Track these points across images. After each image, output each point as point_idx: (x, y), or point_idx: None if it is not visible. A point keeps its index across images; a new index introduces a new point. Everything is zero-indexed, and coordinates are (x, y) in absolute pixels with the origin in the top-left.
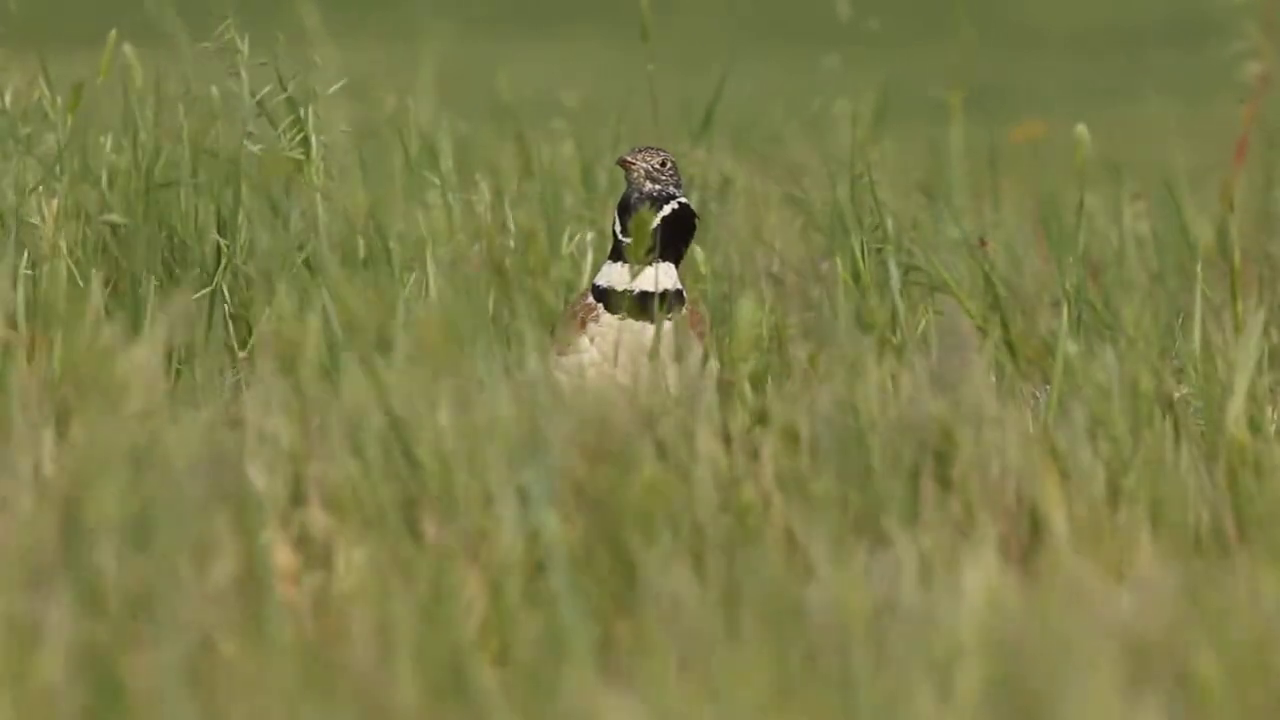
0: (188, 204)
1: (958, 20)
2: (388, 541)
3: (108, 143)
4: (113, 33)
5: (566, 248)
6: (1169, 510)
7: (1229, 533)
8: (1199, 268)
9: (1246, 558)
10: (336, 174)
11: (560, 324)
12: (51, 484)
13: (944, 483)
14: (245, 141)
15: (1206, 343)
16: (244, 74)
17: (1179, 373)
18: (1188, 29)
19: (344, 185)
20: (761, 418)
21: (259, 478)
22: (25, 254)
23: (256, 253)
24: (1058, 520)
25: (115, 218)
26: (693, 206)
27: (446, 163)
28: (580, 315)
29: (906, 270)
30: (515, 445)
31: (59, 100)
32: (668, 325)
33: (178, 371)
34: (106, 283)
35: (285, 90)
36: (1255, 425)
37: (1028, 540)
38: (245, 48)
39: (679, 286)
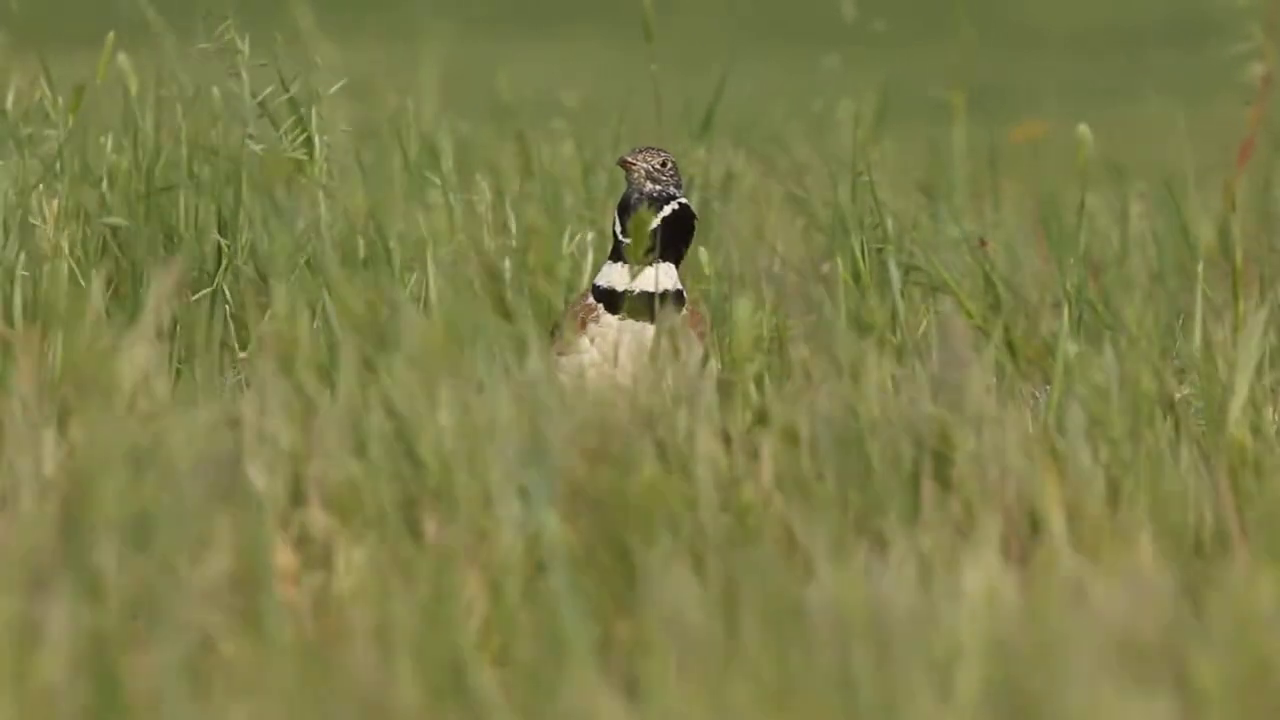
0: (188, 204)
1: (958, 20)
2: (388, 541)
3: (108, 143)
4: (110, 35)
5: (567, 248)
6: (1169, 510)
7: (1229, 533)
8: (1200, 268)
9: (1246, 558)
10: (337, 174)
11: (560, 324)
12: (51, 484)
13: (944, 483)
14: (247, 141)
15: (1207, 343)
16: (245, 74)
17: (1180, 373)
18: (1188, 29)
19: (344, 185)
20: (761, 418)
21: (259, 478)
22: (25, 254)
23: (258, 253)
24: (1057, 520)
25: (117, 220)
26: (693, 207)
27: (447, 163)
28: (580, 316)
29: (907, 270)
30: (515, 445)
31: (60, 100)
32: (668, 325)
33: (178, 371)
34: (107, 283)
35: (288, 90)
36: (1256, 425)
37: (1028, 540)
38: (246, 48)
39: (679, 287)
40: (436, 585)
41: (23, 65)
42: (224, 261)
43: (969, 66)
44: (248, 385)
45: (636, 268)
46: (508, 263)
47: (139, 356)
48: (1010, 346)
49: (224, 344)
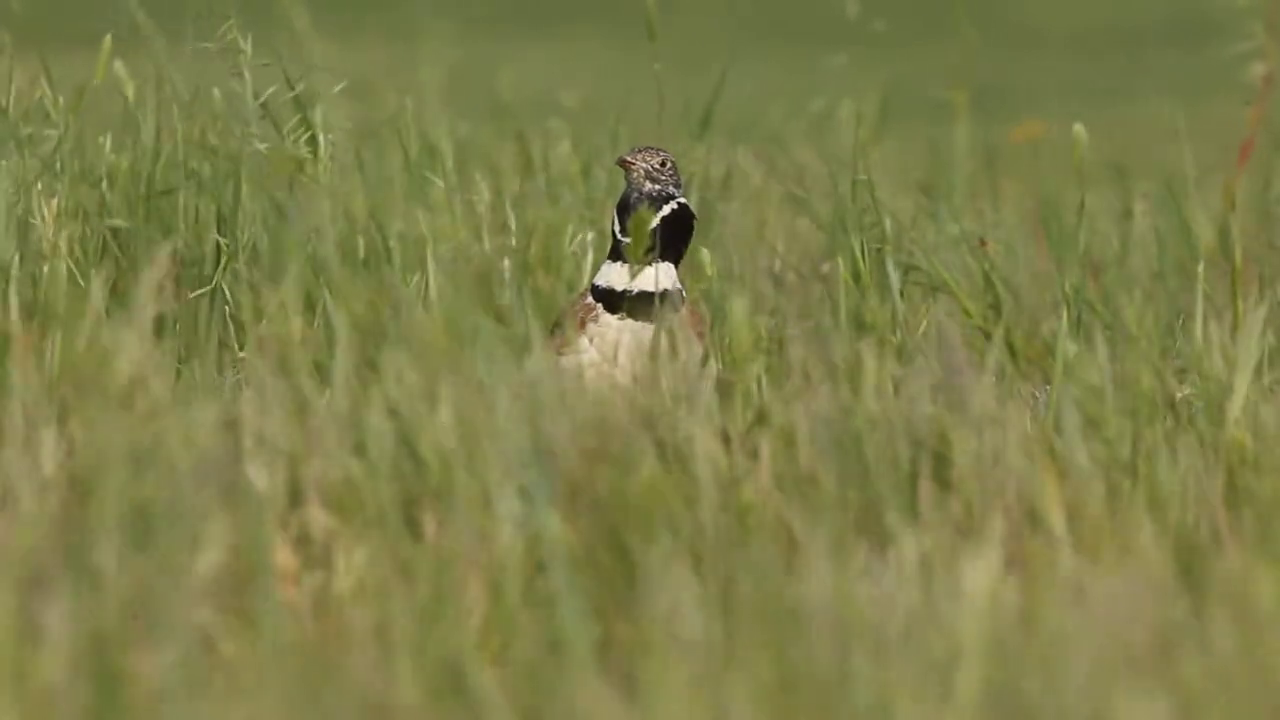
0: (187, 204)
1: (959, 21)
2: (388, 541)
3: (107, 143)
4: (107, 38)
5: (569, 247)
6: (1168, 511)
7: (1228, 533)
8: (1201, 267)
9: (1245, 558)
10: (339, 173)
11: (560, 324)
12: (51, 483)
13: (944, 483)
14: (252, 140)
15: (1207, 342)
16: (247, 74)
17: (1181, 372)
18: (1188, 29)
19: (345, 184)
20: (761, 418)
21: (258, 478)
22: (25, 254)
23: (258, 252)
24: (1057, 520)
25: (118, 222)
26: (692, 207)
27: (447, 162)
28: (580, 315)
29: (906, 270)
30: (515, 445)
31: (60, 100)
32: (668, 325)
33: (178, 371)
34: (107, 282)
35: (293, 89)
36: (1255, 425)
37: (1027, 540)
38: (249, 47)
39: (679, 286)
40: (436, 585)
41: (23, 65)
42: (223, 261)
43: (969, 66)
44: (247, 385)
45: (636, 267)
46: (507, 262)
47: (138, 356)
48: (1010, 346)
49: (223, 344)
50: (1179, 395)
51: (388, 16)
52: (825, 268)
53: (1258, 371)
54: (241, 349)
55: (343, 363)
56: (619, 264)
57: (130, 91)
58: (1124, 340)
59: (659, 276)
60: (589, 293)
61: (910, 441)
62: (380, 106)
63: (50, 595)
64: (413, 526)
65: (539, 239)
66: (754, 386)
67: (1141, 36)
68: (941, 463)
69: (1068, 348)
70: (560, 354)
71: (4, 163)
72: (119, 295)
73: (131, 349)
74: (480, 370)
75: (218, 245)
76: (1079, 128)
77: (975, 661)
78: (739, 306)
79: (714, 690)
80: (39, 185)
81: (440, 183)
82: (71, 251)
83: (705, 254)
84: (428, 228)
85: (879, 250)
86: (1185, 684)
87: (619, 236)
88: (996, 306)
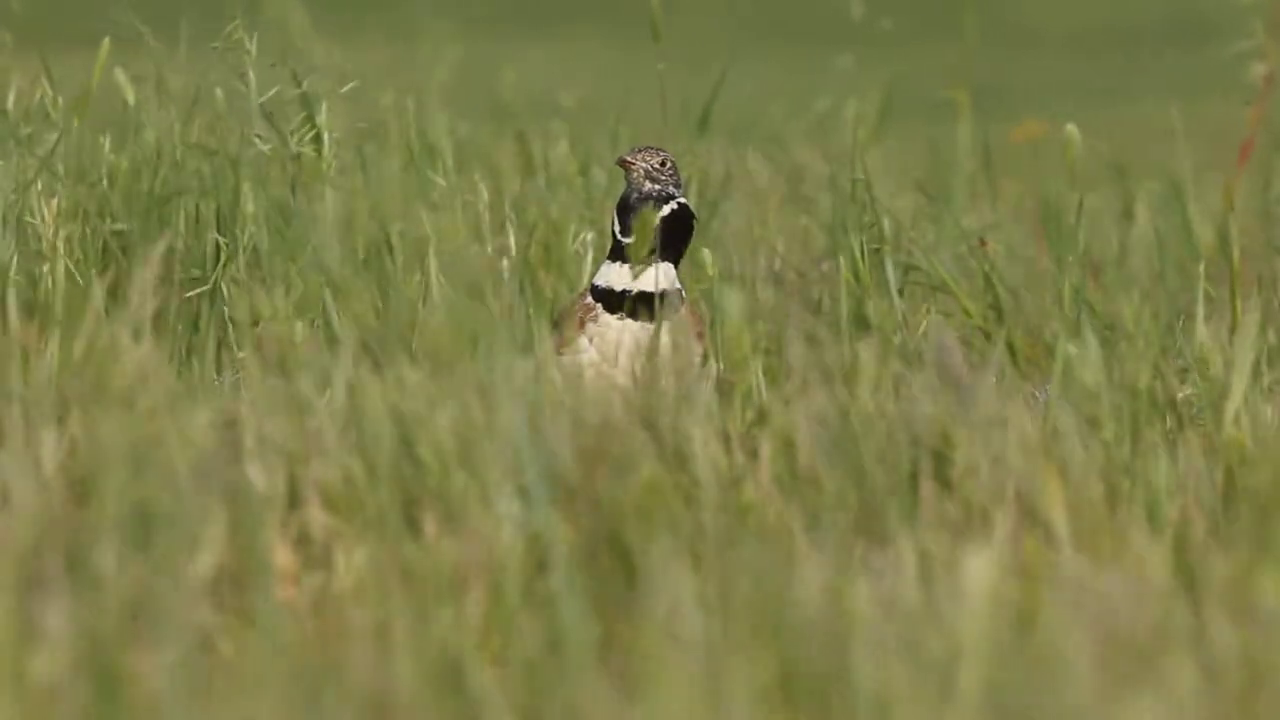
0: (188, 204)
1: (966, 21)
2: (388, 541)
3: (107, 143)
4: (105, 41)
5: (569, 247)
6: (1167, 510)
7: (1227, 533)
8: (1201, 267)
9: (1245, 558)
10: (342, 173)
11: (559, 324)
12: (51, 484)
13: (944, 483)
14: (255, 139)
15: (1206, 342)
16: (252, 75)
17: (1182, 373)
18: (1187, 29)
19: (347, 184)
20: (761, 418)
21: (258, 478)
22: (24, 254)
23: (259, 252)
24: (1057, 520)
25: (118, 226)
26: (692, 207)
27: (447, 162)
28: (579, 315)
29: (906, 270)
30: (515, 445)
31: (60, 100)
32: (667, 325)
33: (178, 371)
34: (106, 282)
35: (300, 86)
36: (1253, 424)
37: (1027, 540)
38: (253, 48)
39: (678, 286)
40: (436, 585)
41: (23, 65)
42: (223, 261)
43: (969, 66)
44: (245, 385)
45: (638, 268)
46: (506, 262)
47: (138, 356)
48: (1010, 346)
49: (223, 344)
50: (1179, 395)
51: (388, 16)
52: (825, 267)
53: (1257, 371)
54: (241, 349)
55: (343, 363)
56: (618, 264)
57: (131, 95)
58: (1124, 340)
59: (659, 277)
60: (588, 293)
61: (910, 441)
62: (381, 106)
63: (50, 595)
64: (413, 526)
65: (539, 239)
66: (753, 384)
67: (1140, 36)
68: (942, 462)
69: (1068, 348)
70: (560, 354)
71: (3, 163)
72: (119, 296)
73: (131, 349)
74: (481, 370)
75: (218, 245)
76: (1071, 128)
77: (975, 661)
78: (734, 300)
79: (714, 690)
80: (38, 185)
81: (441, 182)
82: (71, 252)
83: (706, 254)
84: (431, 227)
85: (878, 250)
86: (1184, 684)
87: (619, 236)
88: (996, 306)
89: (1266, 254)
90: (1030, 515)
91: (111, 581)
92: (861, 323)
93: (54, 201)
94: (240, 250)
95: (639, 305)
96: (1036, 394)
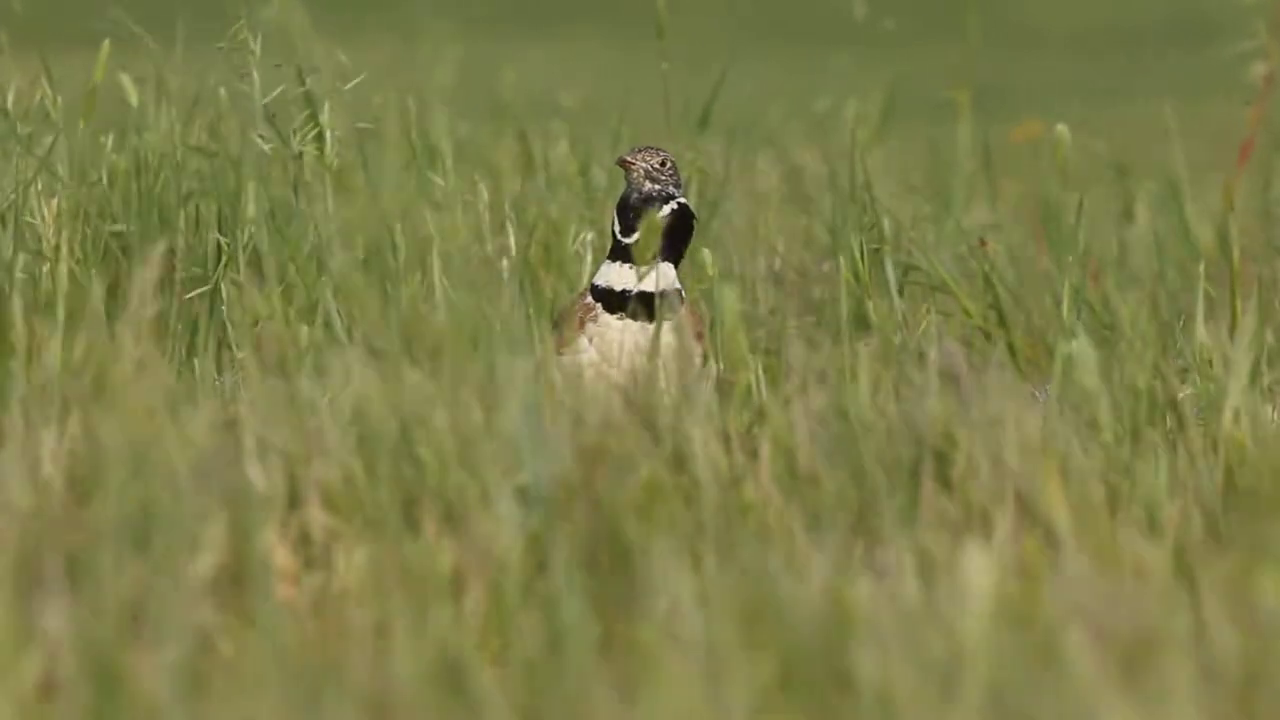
0: (189, 204)
1: (968, 21)
2: (388, 541)
3: (109, 142)
4: (105, 43)
5: (569, 247)
6: (1167, 511)
7: (1227, 533)
8: (1201, 267)
9: (1244, 558)
10: (344, 173)
11: (559, 324)
12: (51, 484)
13: (944, 483)
14: (258, 140)
15: (1206, 343)
16: (256, 75)
17: (1183, 373)
18: (1188, 29)
19: (348, 184)
20: (760, 417)
21: (258, 478)
22: (24, 254)
23: (259, 252)
24: (1057, 520)
25: (119, 227)
26: (692, 207)
27: (447, 162)
28: (579, 315)
29: (906, 270)
30: (515, 445)
31: (60, 100)
32: (667, 325)
33: (178, 372)
34: (106, 283)
35: (304, 84)
36: (1253, 424)
37: (1027, 540)
38: (258, 48)
39: (678, 286)
40: (436, 585)
41: (23, 65)
42: (224, 261)
43: (970, 66)
44: (244, 385)
45: (643, 270)
46: (506, 262)
47: (138, 355)
48: (1010, 346)
49: (223, 344)
50: (1179, 395)
51: (388, 16)
52: (825, 267)
53: (1257, 371)
54: (242, 349)
55: (344, 362)
56: (618, 264)
57: (134, 96)
58: (1123, 340)
59: (659, 277)
60: (588, 293)
61: (910, 441)
62: (381, 106)
63: (50, 595)
64: (413, 526)
65: (539, 239)
66: (752, 382)
67: (1141, 36)
68: (942, 462)
69: (1067, 348)
70: (560, 354)
71: (3, 162)
72: (119, 296)
73: (131, 349)
74: (482, 370)
75: (219, 245)
76: (1061, 128)
77: (975, 661)
78: (730, 297)
79: (714, 690)
80: (38, 185)
81: (441, 182)
82: (71, 252)
83: (706, 254)
84: (434, 227)
85: (878, 250)
86: (1184, 684)
87: (619, 236)
88: (996, 306)
89: (1266, 254)
90: (1030, 515)
91: (111, 581)
92: (861, 323)
93: (54, 201)
94: (240, 250)
95: (639, 305)
96: (1036, 394)
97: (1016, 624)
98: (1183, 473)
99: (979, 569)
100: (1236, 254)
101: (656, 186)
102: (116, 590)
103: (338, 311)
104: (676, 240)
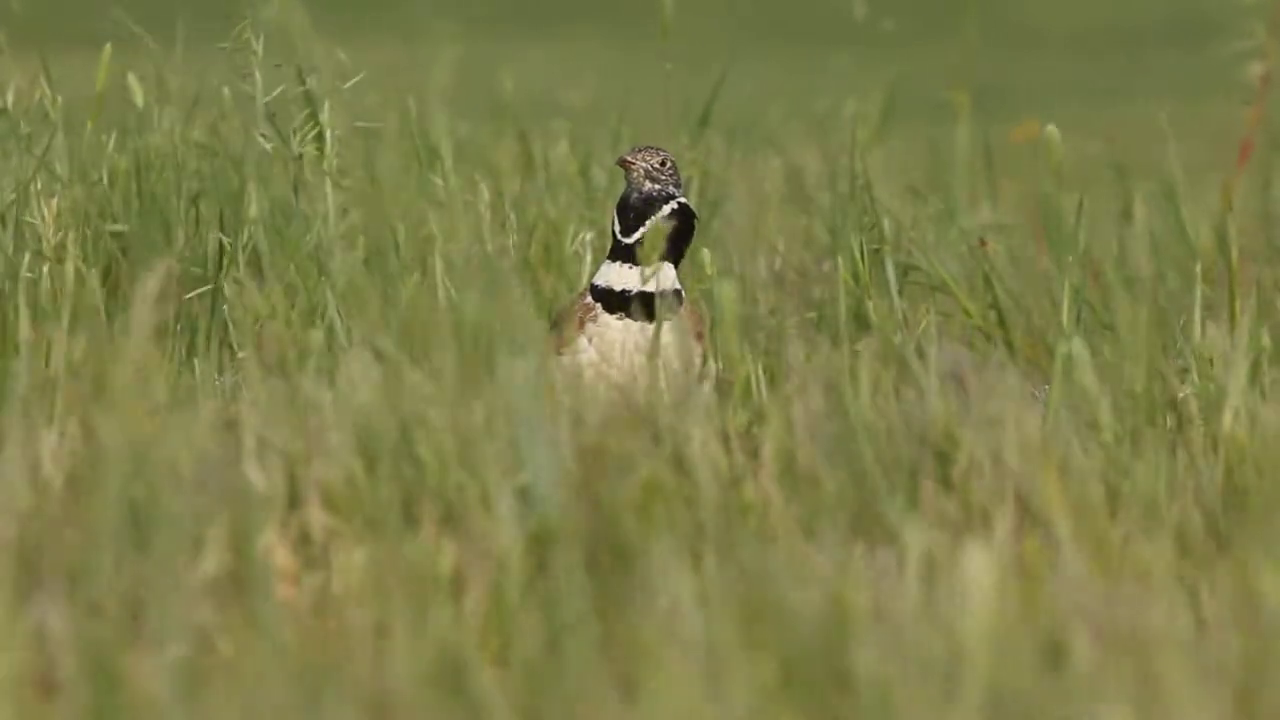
0: (189, 204)
1: (968, 21)
2: (388, 541)
3: (110, 142)
4: (107, 46)
5: (569, 247)
6: (1167, 510)
7: (1227, 533)
8: (1198, 268)
9: (1244, 558)
10: (344, 172)
11: (559, 324)
12: (51, 484)
13: (944, 483)
14: (259, 139)
15: (1205, 342)
16: (258, 75)
17: (1183, 372)
18: (1188, 29)
19: (350, 183)
20: (760, 417)
21: (258, 478)
22: (24, 254)
23: (260, 252)
24: (1057, 520)
25: (119, 227)
26: (692, 206)
27: (447, 162)
28: (579, 315)
29: (906, 270)
30: (515, 445)
31: (60, 100)
32: (667, 325)
33: (178, 372)
34: (105, 281)
35: (304, 83)
36: (1253, 424)
37: (1027, 540)
38: (260, 48)
39: (678, 286)
40: (436, 585)
41: (23, 65)
42: (225, 260)
43: (970, 66)
44: (245, 385)
45: (648, 271)
46: (506, 262)
47: (138, 355)
48: (1010, 346)
49: (224, 344)
50: (1179, 395)
51: (388, 16)
52: (825, 267)
53: (1257, 371)
54: (242, 349)
55: (344, 363)
56: (618, 264)
57: (140, 97)
58: (1123, 340)
59: (659, 277)
60: (588, 293)
61: (910, 441)
62: (381, 106)
63: (50, 595)
64: (413, 526)
65: (539, 239)
66: (752, 381)
67: (1141, 36)
68: (943, 462)
69: (1067, 348)
70: (559, 354)
71: (2, 162)
72: (119, 295)
73: (131, 349)
74: (483, 370)
75: (220, 245)
76: (1052, 129)
77: (976, 661)
78: (728, 292)
79: (714, 690)
80: (38, 185)
81: (441, 182)
82: (72, 252)
83: (705, 254)
84: (437, 226)
85: (878, 250)
86: (1184, 684)
87: (619, 236)
88: (996, 306)
89: (1266, 254)
90: (1030, 515)
91: (111, 581)
92: (862, 323)
93: (54, 201)
94: (241, 250)
95: (639, 305)
96: (1036, 394)
97: (1016, 624)
98: (1183, 473)
99: (979, 569)
100: (1236, 254)
101: (656, 186)
102: (116, 590)
103: (338, 311)
104: (677, 240)
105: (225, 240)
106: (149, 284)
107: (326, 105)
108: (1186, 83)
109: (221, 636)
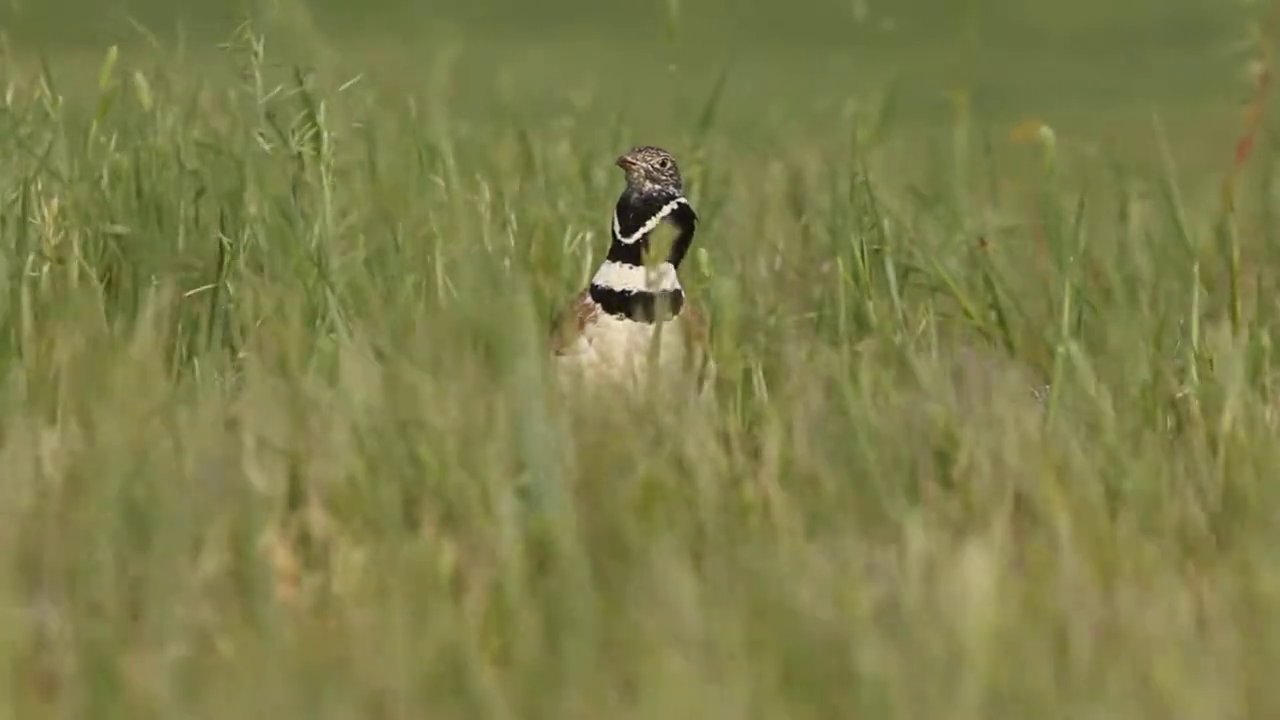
0: (190, 204)
1: (968, 21)
2: (388, 541)
3: (111, 142)
4: (113, 49)
5: (569, 247)
6: (1166, 510)
7: (1227, 533)
8: (1196, 268)
9: (1244, 558)
10: (344, 172)
11: (558, 324)
12: (51, 484)
13: (945, 483)
14: (258, 139)
15: (1205, 342)
16: (259, 75)
17: (1182, 372)
18: (1187, 29)
19: (349, 183)
20: (760, 417)
21: (258, 478)
22: (24, 254)
23: (261, 251)
24: (1057, 520)
25: (119, 228)
26: (692, 207)
27: (447, 162)
28: (579, 315)
29: (906, 271)
30: (515, 445)
31: (60, 100)
32: (667, 326)
33: (178, 372)
34: (106, 281)
35: (302, 83)
36: (1253, 424)
37: (1027, 540)
38: (260, 49)
39: (678, 286)
40: (436, 585)
41: (23, 65)
42: (226, 260)
43: (970, 66)
44: (246, 385)
45: (651, 275)
46: (507, 262)
47: (138, 355)
48: (1010, 346)
49: (225, 343)
50: (1179, 395)
51: (388, 16)
52: (825, 267)
53: (1257, 371)
54: (243, 349)
55: (344, 363)
56: (618, 264)
57: (148, 99)
58: (1123, 340)
59: (659, 277)
60: (588, 293)
61: (911, 441)
62: (381, 106)
63: (50, 595)
64: (413, 526)
65: (539, 239)
66: (751, 380)
67: (1141, 36)
68: (943, 462)
69: (1067, 348)
70: (559, 354)
71: (2, 162)
72: (119, 296)
73: (132, 349)
74: (483, 370)
75: (220, 244)
76: (1046, 130)
77: (976, 661)
78: (725, 286)
79: (715, 690)
80: (38, 185)
81: (441, 182)
82: (71, 252)
83: (704, 254)
84: (437, 226)
85: (878, 250)
86: (1184, 684)
87: (619, 236)
88: (996, 306)
89: (1266, 254)
90: (1030, 515)
91: (111, 581)
92: (862, 323)
93: (54, 202)
94: (241, 250)
95: (639, 305)
96: (1036, 394)
97: (1016, 624)
98: (1183, 473)
99: (979, 569)
100: (1235, 254)
101: (657, 187)
102: (116, 590)
103: (339, 311)
104: (677, 240)
105: (226, 240)
106: (162, 296)
107: (323, 106)
108: (1186, 83)
109: (221, 636)
